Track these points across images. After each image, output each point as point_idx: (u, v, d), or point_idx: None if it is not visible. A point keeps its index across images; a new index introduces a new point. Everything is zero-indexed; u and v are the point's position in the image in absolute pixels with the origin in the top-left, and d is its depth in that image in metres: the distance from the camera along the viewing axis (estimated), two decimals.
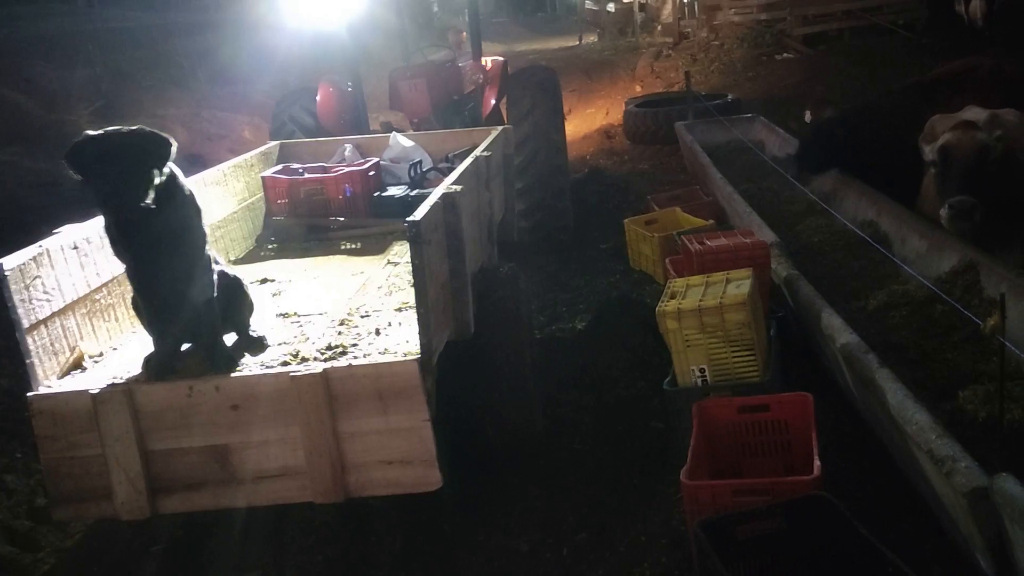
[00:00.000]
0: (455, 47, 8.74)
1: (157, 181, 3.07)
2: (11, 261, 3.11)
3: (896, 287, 4.74)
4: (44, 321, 3.24)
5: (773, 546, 2.93)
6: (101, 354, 3.54)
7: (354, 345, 3.48)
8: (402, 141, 5.93)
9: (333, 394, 3.13)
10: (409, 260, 3.23)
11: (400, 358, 3.24)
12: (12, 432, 4.55)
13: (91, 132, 3.05)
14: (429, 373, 3.16)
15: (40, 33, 12.04)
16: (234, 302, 3.53)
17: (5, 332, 3.15)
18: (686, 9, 17.61)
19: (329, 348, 3.45)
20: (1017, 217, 4.68)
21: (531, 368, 4.21)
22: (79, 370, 3.40)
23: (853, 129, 6.20)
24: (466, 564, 3.64)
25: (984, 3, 11.73)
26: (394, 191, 5.50)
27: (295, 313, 3.96)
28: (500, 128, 5.54)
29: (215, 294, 3.37)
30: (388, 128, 6.75)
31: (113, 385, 3.20)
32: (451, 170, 4.79)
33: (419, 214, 3.24)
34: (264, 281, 4.47)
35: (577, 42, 22.63)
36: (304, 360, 3.35)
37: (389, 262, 4.67)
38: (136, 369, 3.32)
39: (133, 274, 3.27)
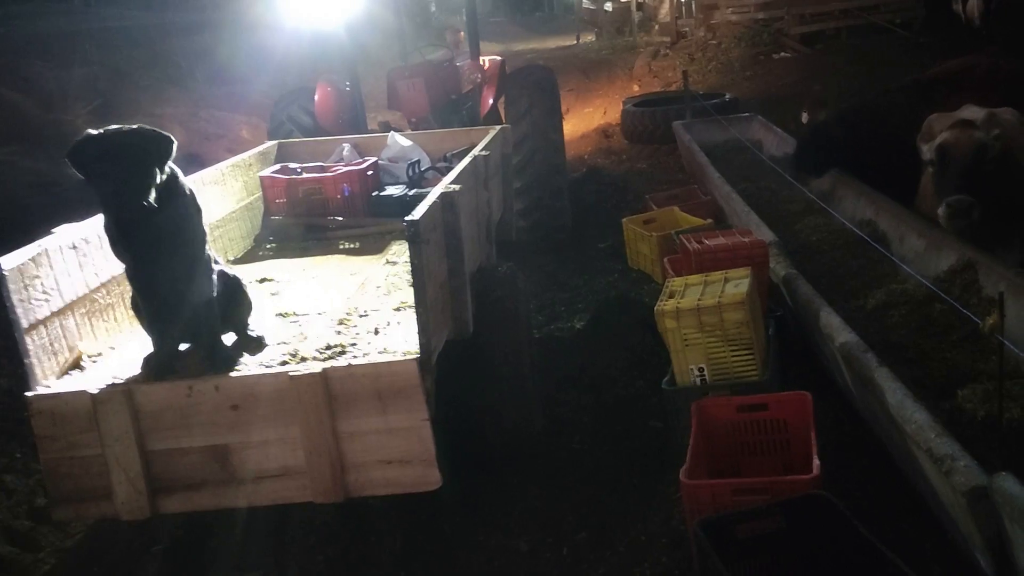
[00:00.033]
0: (453, 46, 8.73)
1: (158, 180, 3.07)
2: (10, 261, 3.10)
3: (895, 286, 4.74)
4: (43, 321, 3.24)
5: (773, 545, 2.93)
6: (100, 354, 3.54)
7: (353, 344, 3.48)
8: (400, 141, 5.93)
9: (332, 394, 3.12)
10: (408, 259, 3.23)
11: (399, 358, 3.24)
12: (12, 432, 4.55)
13: (92, 131, 3.05)
14: (428, 373, 3.16)
15: (37, 32, 12.01)
16: (233, 302, 3.53)
17: (4, 332, 3.14)
18: (683, 8, 17.61)
19: (328, 348, 3.45)
20: (1015, 216, 4.69)
21: (530, 367, 4.21)
22: (78, 370, 3.40)
23: (851, 128, 6.21)
24: (466, 564, 3.64)
25: (981, 2, 11.74)
26: (392, 191, 5.50)
27: (294, 313, 3.96)
28: (498, 127, 5.54)
29: (215, 294, 3.37)
30: (386, 128, 6.75)
31: (112, 385, 3.19)
32: (449, 170, 4.79)
33: (417, 213, 3.24)
34: (263, 281, 4.47)
35: (575, 41, 22.61)
36: (303, 360, 3.35)
37: (388, 261, 4.67)
38: (135, 369, 3.31)
39: (133, 274, 3.27)
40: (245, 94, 12.77)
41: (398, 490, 3.21)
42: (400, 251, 4.74)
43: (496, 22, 29.98)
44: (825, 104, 7.26)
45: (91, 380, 3.27)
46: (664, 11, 18.62)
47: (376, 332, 3.59)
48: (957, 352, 4.00)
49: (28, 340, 3.16)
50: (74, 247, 3.47)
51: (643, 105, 11.02)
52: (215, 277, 3.39)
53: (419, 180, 5.63)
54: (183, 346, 3.42)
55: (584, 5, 25.19)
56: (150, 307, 3.30)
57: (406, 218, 3.20)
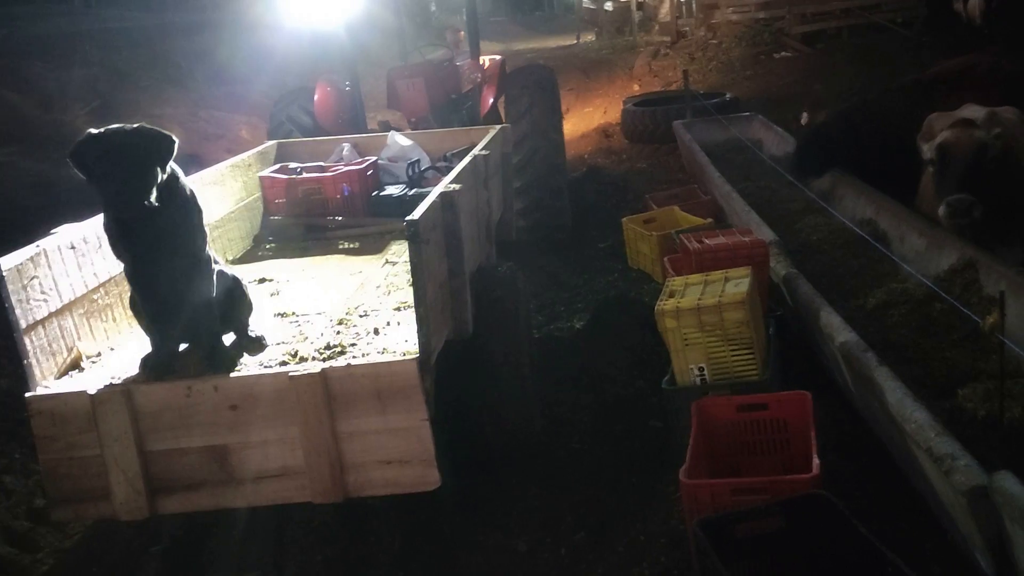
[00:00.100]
0: (453, 46, 8.72)
1: (160, 180, 3.07)
2: (9, 261, 3.10)
3: (895, 285, 4.74)
4: (42, 321, 3.24)
5: (772, 545, 2.93)
6: (99, 354, 3.54)
7: (352, 345, 3.48)
8: (400, 140, 5.93)
9: (332, 394, 3.12)
10: (407, 259, 3.23)
11: (399, 358, 3.24)
12: (11, 433, 4.55)
13: (94, 131, 3.05)
14: (428, 373, 3.16)
15: (37, 33, 12.02)
16: (232, 302, 3.52)
17: (3, 333, 3.14)
18: (684, 8, 17.59)
19: (328, 348, 3.44)
20: (1016, 215, 4.69)
21: (529, 367, 4.21)
22: (77, 370, 3.40)
23: (851, 128, 6.21)
24: (465, 564, 3.64)
25: (982, 1, 11.73)
26: (392, 190, 5.50)
27: (293, 313, 3.95)
28: (498, 127, 5.54)
29: (214, 294, 3.37)
30: (386, 127, 6.75)
31: (111, 385, 3.19)
32: (449, 169, 4.80)
33: (417, 213, 3.24)
34: (262, 281, 4.47)
35: (575, 41, 22.60)
36: (303, 360, 3.35)
37: (387, 261, 4.67)
38: (134, 369, 3.31)
39: (132, 273, 3.26)
40: (245, 94, 12.78)
41: (397, 490, 3.21)
42: (400, 251, 4.74)
43: (496, 21, 29.98)
44: (825, 104, 7.25)
45: (90, 380, 3.27)
46: (664, 10, 18.60)
47: (376, 332, 3.59)
48: (957, 351, 4.00)
49: (27, 340, 3.15)
50: (73, 247, 3.47)
51: (643, 104, 11.02)
52: (215, 277, 3.39)
53: (419, 180, 5.62)
54: (182, 346, 3.42)
55: (584, 4, 25.18)
56: (149, 307, 3.30)
57: (406, 218, 3.20)
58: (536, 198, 6.80)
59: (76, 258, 3.48)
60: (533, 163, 6.76)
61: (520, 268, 4.47)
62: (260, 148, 5.77)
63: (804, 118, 7.44)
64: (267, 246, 5.22)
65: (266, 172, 5.49)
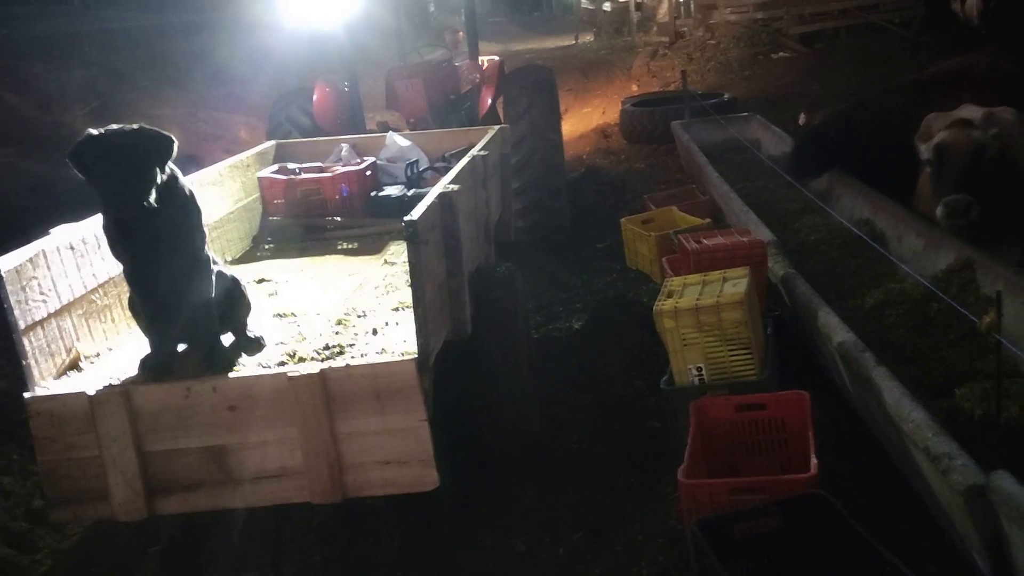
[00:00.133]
0: (451, 47, 8.72)
1: (159, 180, 3.07)
2: (7, 262, 3.11)
3: (893, 285, 4.75)
4: (40, 322, 3.24)
5: (770, 545, 2.93)
6: (98, 355, 3.54)
7: (351, 345, 3.48)
8: (399, 141, 5.93)
9: (330, 394, 3.12)
10: (406, 260, 3.23)
11: (397, 358, 3.24)
12: (9, 433, 4.55)
13: (93, 131, 3.05)
14: (426, 373, 3.16)
15: (36, 34, 12.01)
16: (231, 302, 3.52)
17: (2, 333, 3.14)
18: (682, 8, 17.60)
19: (326, 348, 3.45)
20: (1013, 215, 4.69)
21: (528, 368, 4.21)
22: (76, 371, 3.40)
23: (848, 129, 6.21)
24: (464, 564, 3.64)
25: (980, 2, 11.75)
26: (391, 191, 5.50)
27: (292, 313, 3.95)
28: (497, 127, 5.54)
29: (213, 295, 3.37)
30: (385, 128, 6.74)
31: (110, 386, 3.19)
32: (448, 170, 4.80)
33: (416, 214, 3.24)
34: (261, 281, 4.47)
35: (573, 41, 22.61)
36: (301, 360, 3.35)
37: (386, 262, 4.67)
38: (133, 370, 3.31)
39: (131, 274, 3.26)
40: (243, 95, 12.78)
41: (396, 490, 3.21)
42: (398, 251, 4.74)
43: (495, 22, 29.99)
44: (824, 104, 7.26)
45: (89, 381, 3.27)
46: (663, 11, 18.61)
47: (374, 332, 3.59)
48: (955, 351, 4.00)
49: (26, 341, 3.16)
50: (72, 248, 3.47)
51: (642, 105, 11.03)
52: (213, 278, 3.39)
53: (417, 180, 5.63)
54: (181, 347, 3.42)
55: (583, 5, 25.19)
56: (148, 308, 3.30)
57: (404, 218, 3.20)
58: (535, 198, 6.80)
59: (75, 259, 3.48)
60: (532, 164, 6.77)
61: (519, 268, 4.47)
62: (259, 148, 5.77)
63: (802, 119, 7.44)
64: (266, 246, 5.22)
65: (265, 172, 5.49)
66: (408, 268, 3.21)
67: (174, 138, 3.16)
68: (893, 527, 3.26)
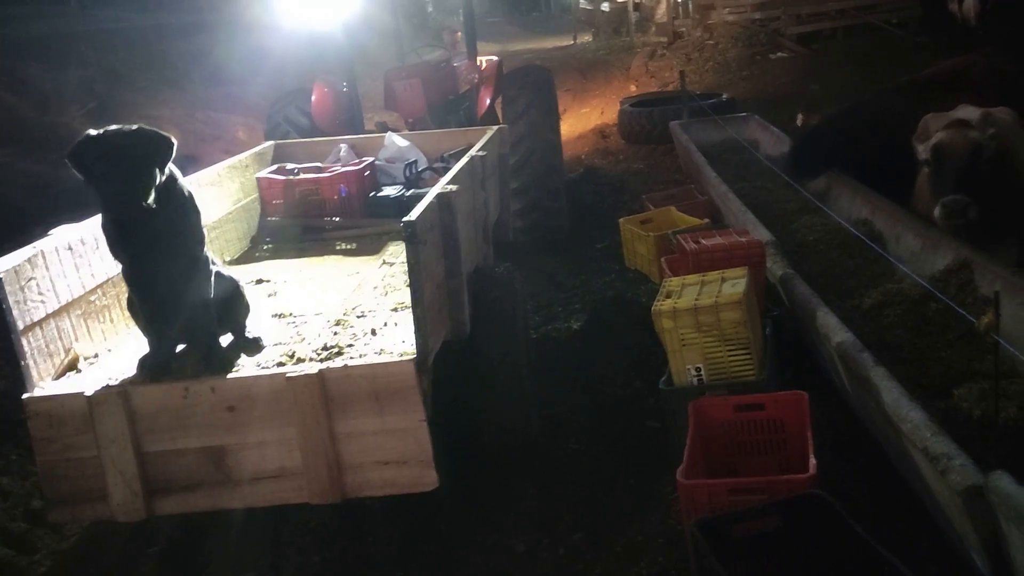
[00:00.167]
0: (450, 47, 8.72)
1: (158, 181, 3.07)
2: (6, 263, 3.11)
3: (891, 285, 4.75)
4: (39, 323, 3.24)
5: (769, 545, 2.93)
6: (96, 355, 3.54)
7: (350, 346, 3.48)
8: (397, 141, 5.93)
9: (329, 395, 3.12)
10: (405, 260, 3.23)
11: (396, 358, 3.24)
12: (8, 434, 4.54)
13: (93, 132, 3.06)
14: (425, 373, 3.17)
15: (33, 34, 11.99)
16: (230, 303, 3.52)
17: (1, 334, 3.14)
18: (680, 8, 17.61)
19: (325, 349, 3.44)
20: (1011, 215, 4.70)
21: (527, 368, 4.21)
22: (74, 372, 3.40)
23: (847, 128, 6.21)
24: (463, 564, 3.64)
25: (977, 2, 11.77)
26: (389, 191, 5.50)
27: (291, 314, 3.95)
28: (495, 128, 5.54)
29: (212, 295, 3.37)
30: (383, 128, 6.74)
31: (108, 387, 3.19)
32: (446, 170, 4.80)
33: (415, 214, 3.24)
34: (259, 282, 4.47)
35: (572, 41, 22.62)
36: (300, 361, 3.35)
37: (385, 262, 4.67)
38: (132, 370, 3.31)
39: (130, 274, 3.26)
40: (241, 95, 12.78)
41: (395, 491, 3.21)
42: (397, 252, 4.74)
43: (493, 22, 30.00)
44: (821, 104, 7.25)
45: (87, 382, 3.27)
46: (661, 11, 18.61)
47: (373, 333, 3.59)
48: (953, 351, 4.01)
49: (24, 342, 3.16)
50: (70, 248, 3.47)
51: (640, 105, 11.03)
52: (212, 278, 3.39)
53: (416, 181, 5.63)
54: (180, 347, 3.42)
55: (581, 5, 25.19)
56: (147, 308, 3.30)
57: (403, 219, 3.20)
58: (533, 199, 6.80)
59: (73, 259, 3.48)
60: (530, 164, 6.77)
61: (517, 269, 4.47)
62: (257, 149, 5.77)
63: (799, 119, 7.44)
64: (264, 247, 5.22)
65: (263, 173, 5.49)
66: (407, 268, 3.21)
67: (173, 139, 3.16)
68: (892, 527, 3.27)
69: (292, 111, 6.90)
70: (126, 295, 3.45)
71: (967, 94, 5.35)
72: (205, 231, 3.47)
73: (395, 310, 3.84)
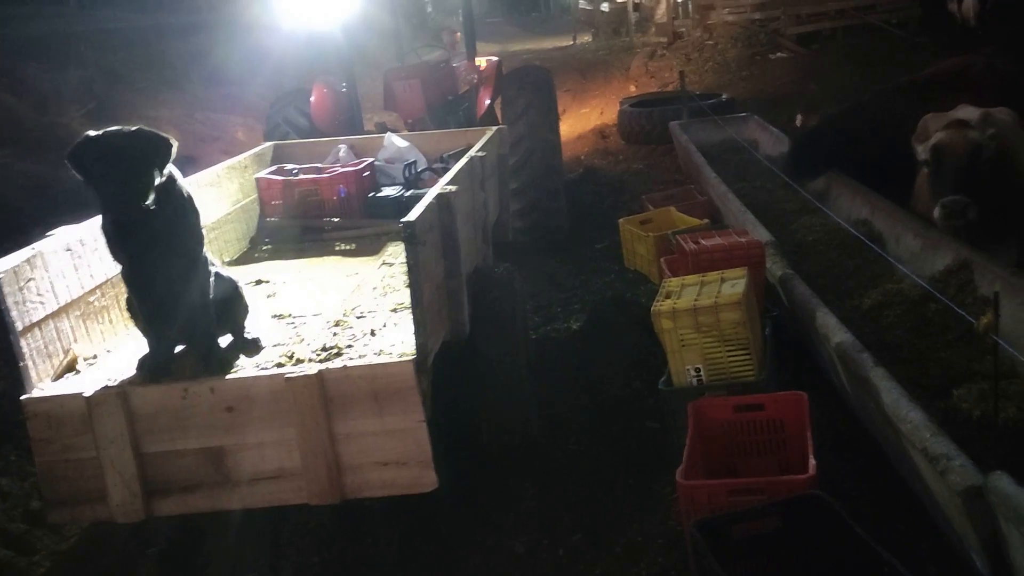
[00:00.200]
0: (449, 47, 8.73)
1: (158, 182, 3.07)
2: (5, 264, 3.10)
3: (890, 286, 4.75)
4: (38, 324, 3.23)
5: (769, 546, 2.93)
6: (95, 356, 3.53)
7: (349, 346, 3.47)
8: (397, 142, 5.93)
9: (328, 395, 3.12)
10: (404, 261, 3.23)
11: (395, 359, 3.24)
12: (7, 435, 4.53)
13: (92, 133, 3.06)
14: (424, 374, 3.16)
15: (32, 34, 11.98)
16: (229, 304, 3.52)
17: None
18: (680, 9, 17.62)
19: (324, 349, 3.44)
20: (1010, 216, 4.70)
21: (526, 369, 4.21)
22: (73, 373, 3.39)
23: (846, 129, 6.21)
24: (463, 565, 3.64)
25: (977, 2, 11.78)
26: (389, 192, 5.49)
27: (290, 314, 3.95)
28: (495, 128, 5.54)
29: (211, 296, 3.37)
30: (383, 128, 6.74)
31: (107, 387, 3.19)
32: (446, 170, 4.80)
33: (414, 215, 3.24)
34: (258, 283, 4.46)
35: (571, 42, 22.62)
36: (299, 361, 3.34)
37: (384, 263, 4.66)
38: (130, 371, 3.30)
39: (129, 275, 3.26)
40: (241, 96, 12.77)
41: (394, 492, 3.21)
42: (396, 252, 4.73)
43: (492, 22, 30.01)
44: (821, 104, 7.24)
45: (86, 382, 3.27)
46: (661, 11, 18.62)
47: (372, 334, 3.59)
48: (952, 352, 4.01)
49: (23, 343, 3.15)
50: (69, 249, 3.47)
51: (640, 105, 11.03)
52: (211, 279, 3.39)
53: (415, 181, 5.62)
54: (179, 348, 3.42)
55: (580, 5, 25.18)
56: (146, 309, 3.30)
57: (402, 219, 3.20)
58: (533, 199, 6.80)
59: (72, 260, 3.47)
60: (530, 164, 6.76)
61: (517, 269, 4.47)
62: (256, 150, 5.77)
63: (798, 120, 7.43)
64: (263, 248, 5.22)
65: (262, 174, 5.48)
66: (406, 269, 3.21)
67: (173, 140, 3.16)
68: (891, 528, 3.27)
69: (291, 112, 6.90)
70: (125, 296, 3.45)
71: (966, 94, 5.34)
72: (204, 232, 3.46)
73: (394, 311, 3.84)
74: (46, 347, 3.28)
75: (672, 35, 17.24)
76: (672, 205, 6.84)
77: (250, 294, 3.84)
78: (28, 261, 3.21)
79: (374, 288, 4.24)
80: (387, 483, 3.18)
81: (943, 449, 2.90)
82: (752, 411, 3.61)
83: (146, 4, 15.24)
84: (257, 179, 5.42)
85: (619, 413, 4.60)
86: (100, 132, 3.05)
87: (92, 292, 3.58)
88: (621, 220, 6.78)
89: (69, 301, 3.43)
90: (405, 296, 3.70)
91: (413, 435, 3.13)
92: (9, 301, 3.07)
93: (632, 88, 14.26)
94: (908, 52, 11.91)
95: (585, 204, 8.36)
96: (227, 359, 3.38)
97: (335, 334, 3.63)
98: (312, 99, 6.94)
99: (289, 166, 5.62)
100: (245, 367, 3.37)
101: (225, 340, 3.53)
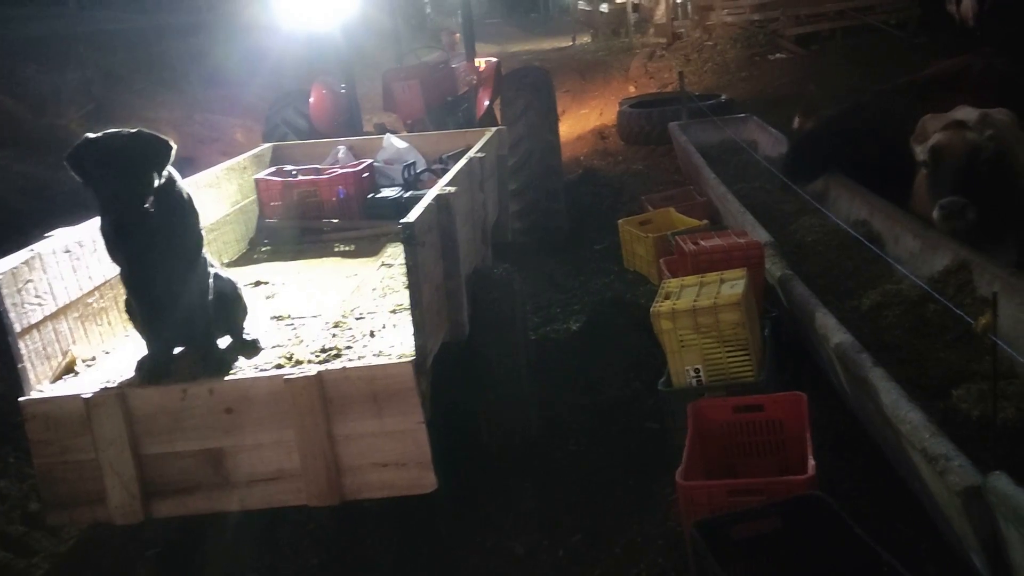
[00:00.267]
0: (448, 48, 8.73)
1: (157, 183, 3.07)
2: (3, 265, 3.11)
3: (889, 286, 4.75)
4: (36, 325, 3.23)
5: (769, 546, 2.93)
6: (94, 358, 3.53)
7: (348, 347, 3.47)
8: (396, 143, 5.93)
9: (327, 397, 3.12)
10: (403, 262, 3.23)
11: (395, 360, 3.24)
12: (5, 437, 4.53)
13: (91, 135, 3.06)
14: (424, 375, 3.16)
15: (31, 36, 11.99)
16: (228, 305, 3.52)
17: None
18: (679, 9, 17.63)
19: (323, 350, 3.44)
20: (1009, 216, 4.70)
21: (526, 369, 4.21)
22: (72, 374, 3.39)
23: (845, 130, 6.21)
24: (462, 566, 3.64)
25: (975, 3, 11.79)
26: (388, 193, 5.49)
27: (289, 316, 3.95)
28: (494, 129, 5.54)
29: (210, 297, 3.37)
30: (382, 129, 6.75)
31: (106, 389, 3.19)
32: (445, 171, 4.80)
33: (413, 216, 3.24)
34: (257, 284, 4.46)
35: (570, 43, 22.63)
36: (298, 363, 3.35)
37: (383, 264, 4.66)
38: (129, 373, 3.30)
39: (128, 276, 3.26)
40: (239, 97, 12.77)
41: (394, 493, 3.21)
42: (396, 253, 4.73)
43: (492, 23, 30.02)
44: (820, 105, 7.23)
45: (85, 384, 3.27)
46: (660, 12, 18.63)
47: (372, 335, 3.59)
48: (951, 352, 4.01)
49: (22, 344, 3.15)
50: (67, 251, 3.47)
51: (639, 106, 11.04)
52: (210, 280, 3.39)
53: (415, 182, 5.62)
54: (177, 349, 3.42)
55: (580, 6, 25.19)
56: (145, 310, 3.30)
57: (402, 220, 3.20)
58: (532, 200, 6.80)
59: (71, 262, 3.47)
60: (529, 165, 6.76)
61: (516, 270, 4.47)
62: (255, 151, 5.77)
63: (796, 121, 7.43)
64: (262, 249, 5.21)
65: (261, 175, 5.48)
66: (405, 270, 3.21)
67: (172, 142, 3.16)
68: (891, 528, 3.27)
69: (290, 113, 6.89)
70: (124, 297, 3.45)
71: (965, 95, 5.34)
72: (203, 233, 3.46)
73: (394, 312, 3.84)
74: (45, 349, 3.28)
75: (671, 36, 17.25)
76: (671, 206, 6.84)
77: (249, 295, 3.84)
78: (27, 263, 3.21)
79: (373, 289, 4.24)
80: (386, 484, 3.18)
81: (942, 449, 2.90)
82: (751, 412, 3.61)
83: (145, 5, 15.26)
84: (256, 180, 5.42)
85: (619, 414, 4.60)
86: (99, 134, 3.06)
87: (91, 294, 3.58)
88: (620, 221, 6.78)
89: (68, 303, 3.43)
90: (404, 297, 3.70)
91: (412, 436, 3.13)
92: (8, 303, 3.07)
93: (631, 89, 14.26)
94: (907, 53, 11.92)
95: (584, 205, 8.36)
96: (226, 360, 3.38)
97: (334, 335, 3.63)
98: (311, 100, 6.94)
99: (288, 167, 5.62)
100: (244, 368, 3.37)
101: (224, 341, 3.53)
